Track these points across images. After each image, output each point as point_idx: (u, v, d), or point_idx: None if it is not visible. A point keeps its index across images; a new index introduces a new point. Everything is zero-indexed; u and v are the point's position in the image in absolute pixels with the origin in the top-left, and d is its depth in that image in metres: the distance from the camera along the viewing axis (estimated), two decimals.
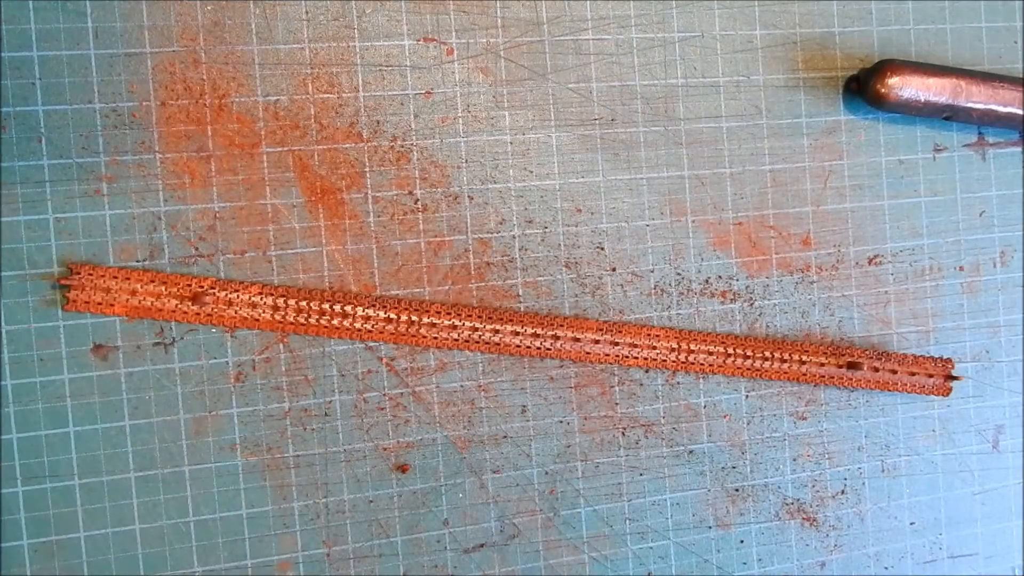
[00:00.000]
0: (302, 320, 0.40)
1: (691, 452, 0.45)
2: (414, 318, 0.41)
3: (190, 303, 0.39)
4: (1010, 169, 0.49)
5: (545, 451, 0.44)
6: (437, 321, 0.42)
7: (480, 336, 0.42)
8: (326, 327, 0.41)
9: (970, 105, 0.46)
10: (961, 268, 0.49)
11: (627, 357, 0.44)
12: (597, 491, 0.44)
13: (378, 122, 0.41)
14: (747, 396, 0.46)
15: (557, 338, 0.43)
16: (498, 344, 0.43)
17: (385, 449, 0.42)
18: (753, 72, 0.45)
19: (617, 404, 0.44)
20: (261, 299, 0.40)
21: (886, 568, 0.48)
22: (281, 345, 0.41)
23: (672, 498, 0.45)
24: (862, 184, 0.47)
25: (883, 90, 0.44)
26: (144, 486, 0.40)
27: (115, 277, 0.39)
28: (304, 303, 0.40)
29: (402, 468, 0.42)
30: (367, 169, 0.41)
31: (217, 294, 0.40)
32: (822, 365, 0.46)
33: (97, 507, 0.39)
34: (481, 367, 0.43)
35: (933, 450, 0.49)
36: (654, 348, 0.44)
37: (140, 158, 0.39)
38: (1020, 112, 0.46)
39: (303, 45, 0.41)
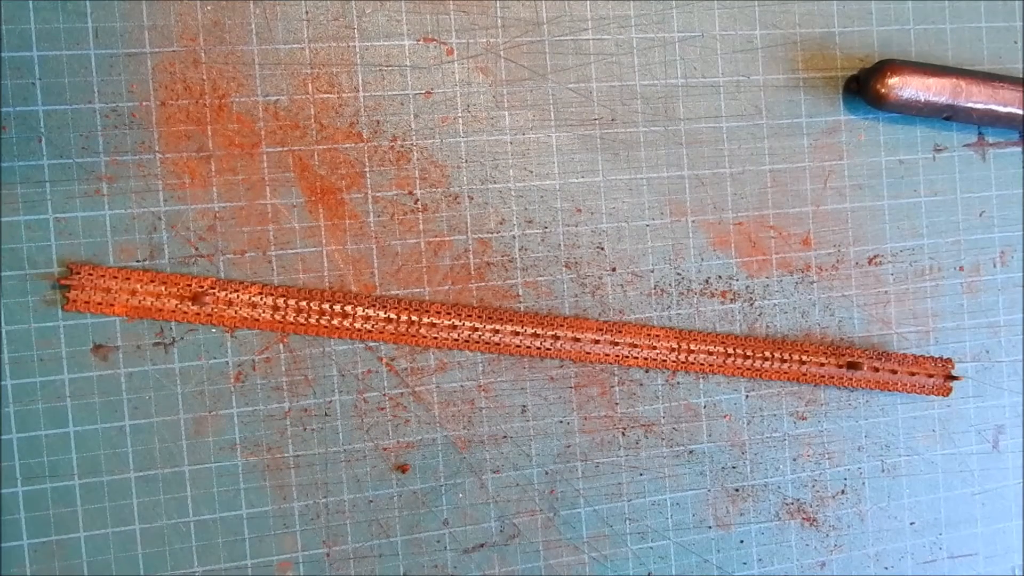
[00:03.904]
0: (302, 320, 0.40)
1: (691, 452, 0.45)
2: (414, 318, 0.41)
3: (190, 303, 0.39)
4: (1010, 169, 0.49)
5: (545, 451, 0.44)
6: (437, 321, 0.42)
7: (480, 336, 0.42)
8: (326, 327, 0.41)
9: (970, 105, 0.46)
10: (961, 268, 0.49)
11: (627, 357, 0.44)
12: (597, 491, 0.44)
13: (378, 122, 0.42)
14: (747, 396, 0.46)
15: (557, 338, 0.43)
16: (498, 344, 0.43)
17: (385, 449, 0.42)
18: (753, 72, 0.45)
19: (617, 404, 0.44)
20: (261, 299, 0.40)
21: (886, 568, 0.48)
22: (281, 345, 0.41)
23: (672, 498, 0.45)
24: (862, 184, 0.47)
25: (883, 90, 0.44)
26: (144, 486, 0.40)
27: (115, 277, 0.39)
28: (304, 303, 0.40)
29: (402, 468, 0.42)
30: (367, 169, 0.41)
31: (217, 294, 0.40)
32: (822, 365, 0.46)
33: (97, 507, 0.39)
34: (481, 367, 0.43)
35: (933, 450, 0.49)
36: (654, 348, 0.44)
37: (140, 158, 0.39)
38: (1020, 112, 0.46)
39: (303, 45, 0.41)
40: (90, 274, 0.39)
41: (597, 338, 0.44)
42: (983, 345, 0.49)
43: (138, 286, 0.39)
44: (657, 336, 0.44)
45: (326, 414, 0.41)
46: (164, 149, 0.39)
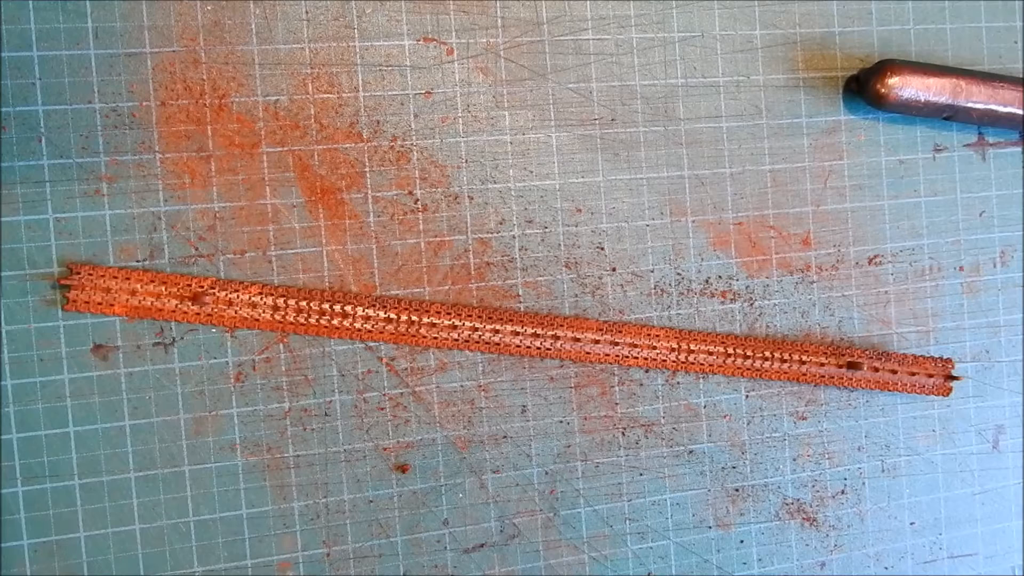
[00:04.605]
0: (302, 320, 0.40)
1: (691, 452, 0.45)
2: (414, 318, 0.41)
3: (190, 303, 0.39)
4: (1010, 169, 0.49)
5: (545, 451, 0.44)
6: (437, 321, 0.42)
7: (480, 336, 0.42)
8: (326, 327, 0.41)
9: (970, 105, 0.46)
10: (961, 268, 0.49)
11: (627, 357, 0.44)
12: (597, 491, 0.44)
13: (378, 122, 0.42)
14: (747, 396, 0.46)
15: (557, 338, 0.43)
16: (498, 344, 0.43)
17: (385, 449, 0.42)
18: (753, 72, 0.45)
19: (617, 404, 0.44)
20: (261, 299, 0.40)
21: (886, 568, 0.48)
22: (281, 345, 0.41)
23: (672, 498, 0.45)
24: (862, 184, 0.47)
25: (883, 90, 0.44)
26: (144, 486, 0.40)
27: (115, 277, 0.39)
28: (304, 303, 0.40)
29: (402, 468, 0.42)
30: (367, 169, 0.41)
31: (217, 294, 0.40)
32: (822, 365, 0.46)
33: (97, 507, 0.39)
34: (481, 367, 0.43)
35: (933, 450, 0.49)
36: (654, 348, 0.44)
37: (140, 158, 0.39)
38: (1020, 112, 0.46)
39: (303, 45, 0.41)
40: (90, 274, 0.39)
41: (597, 338, 0.44)
42: (983, 345, 0.49)
43: (138, 286, 0.39)
44: (657, 336, 0.44)
45: (326, 414, 0.41)
46: (164, 149, 0.39)
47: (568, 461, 0.44)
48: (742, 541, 0.46)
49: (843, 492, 0.47)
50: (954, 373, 0.48)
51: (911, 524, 0.49)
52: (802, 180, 0.46)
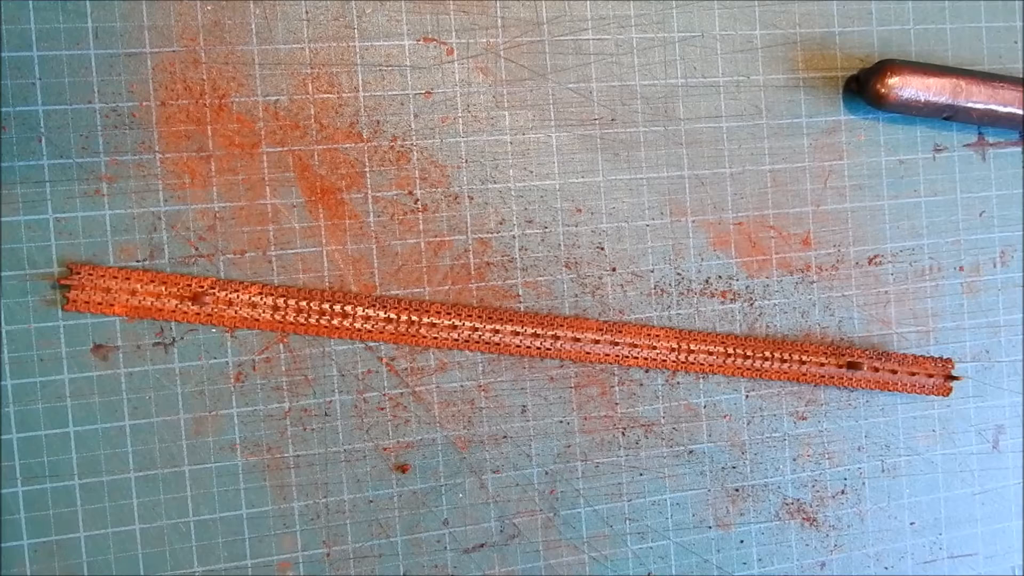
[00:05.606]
0: (302, 320, 0.40)
1: (691, 452, 0.45)
2: (414, 318, 0.41)
3: (190, 303, 0.39)
4: (1010, 169, 0.49)
5: (545, 451, 0.44)
6: (437, 321, 0.42)
7: (480, 336, 0.42)
8: (326, 327, 0.41)
9: (970, 105, 0.46)
10: (961, 268, 0.49)
11: (627, 357, 0.44)
12: (597, 491, 0.44)
13: (378, 122, 0.42)
14: (747, 396, 0.46)
15: (557, 338, 0.43)
16: (498, 344, 0.43)
17: (385, 449, 0.42)
18: (753, 72, 0.45)
19: (617, 404, 0.44)
20: (261, 299, 0.40)
21: (886, 568, 0.48)
22: (281, 345, 0.41)
23: (672, 498, 0.45)
24: (862, 184, 0.47)
25: (883, 90, 0.44)
26: (144, 486, 0.40)
27: (115, 277, 0.39)
28: (304, 303, 0.40)
29: (402, 468, 0.42)
30: (367, 169, 0.41)
31: (217, 294, 0.40)
32: (822, 365, 0.46)
33: (97, 507, 0.39)
34: (481, 367, 0.43)
35: (933, 450, 0.49)
36: (654, 348, 0.44)
37: (140, 158, 0.39)
38: (1020, 112, 0.46)
39: (303, 45, 0.41)
40: (90, 274, 0.39)
41: (597, 338, 0.44)
42: (983, 345, 0.49)
43: (138, 286, 0.39)
44: (657, 336, 0.44)
45: (326, 414, 0.41)
46: (164, 149, 0.39)
47: (568, 461, 0.44)
48: (742, 541, 0.46)
49: (843, 492, 0.47)
50: (954, 373, 0.48)
51: (911, 524, 0.49)
52: (802, 180, 0.46)
